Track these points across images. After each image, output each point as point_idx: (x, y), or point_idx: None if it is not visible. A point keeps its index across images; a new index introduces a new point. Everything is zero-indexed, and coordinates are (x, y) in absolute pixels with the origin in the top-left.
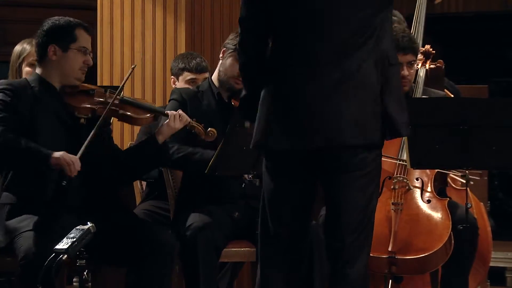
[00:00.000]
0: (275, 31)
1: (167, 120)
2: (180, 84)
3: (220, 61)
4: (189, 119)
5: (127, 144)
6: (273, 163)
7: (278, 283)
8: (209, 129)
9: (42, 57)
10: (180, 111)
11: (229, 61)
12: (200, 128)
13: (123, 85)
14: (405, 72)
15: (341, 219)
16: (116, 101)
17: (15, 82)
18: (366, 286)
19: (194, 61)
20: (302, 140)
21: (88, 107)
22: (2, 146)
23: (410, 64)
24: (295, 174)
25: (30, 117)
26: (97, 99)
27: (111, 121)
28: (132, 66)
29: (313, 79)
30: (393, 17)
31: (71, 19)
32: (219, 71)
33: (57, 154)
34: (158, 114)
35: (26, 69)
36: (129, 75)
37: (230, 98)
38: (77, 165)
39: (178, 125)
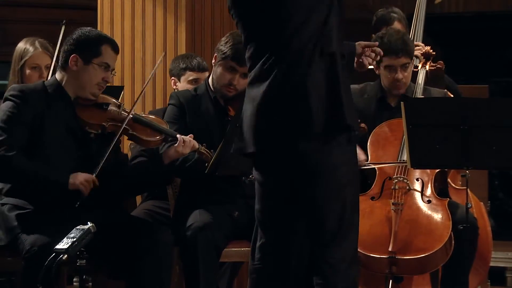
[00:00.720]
0: None
1: (176, 144)
2: (182, 84)
3: (213, 66)
4: (197, 146)
5: (127, 144)
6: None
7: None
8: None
9: (63, 64)
10: (190, 138)
11: (219, 70)
12: (208, 155)
13: (133, 107)
14: (399, 75)
15: (316, 223)
16: (129, 119)
17: (29, 88)
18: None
19: (195, 60)
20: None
21: (99, 124)
22: (17, 174)
23: (404, 67)
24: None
25: (39, 124)
26: (110, 115)
27: None
28: (144, 86)
29: None
30: (394, 15)
31: (102, 33)
32: (212, 78)
33: (75, 180)
34: (168, 136)
35: (28, 72)
36: (141, 94)
37: (226, 103)
38: (94, 185)
39: (186, 150)
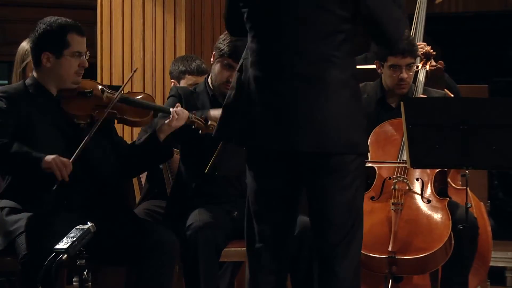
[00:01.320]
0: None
1: (168, 119)
2: None
3: (212, 64)
4: (188, 113)
5: (127, 138)
6: (255, 160)
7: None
8: (210, 122)
9: (37, 63)
10: (179, 108)
11: (217, 67)
12: (200, 123)
13: (121, 90)
14: (404, 75)
15: (325, 220)
16: (116, 104)
17: (11, 88)
18: (357, 285)
19: (194, 63)
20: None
21: (87, 114)
22: None
23: (409, 67)
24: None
25: (26, 124)
26: (95, 102)
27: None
28: (133, 70)
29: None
30: None
31: (63, 21)
32: (211, 76)
33: (49, 157)
34: (158, 111)
35: (30, 75)
36: (130, 79)
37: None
38: (68, 169)
39: (180, 122)
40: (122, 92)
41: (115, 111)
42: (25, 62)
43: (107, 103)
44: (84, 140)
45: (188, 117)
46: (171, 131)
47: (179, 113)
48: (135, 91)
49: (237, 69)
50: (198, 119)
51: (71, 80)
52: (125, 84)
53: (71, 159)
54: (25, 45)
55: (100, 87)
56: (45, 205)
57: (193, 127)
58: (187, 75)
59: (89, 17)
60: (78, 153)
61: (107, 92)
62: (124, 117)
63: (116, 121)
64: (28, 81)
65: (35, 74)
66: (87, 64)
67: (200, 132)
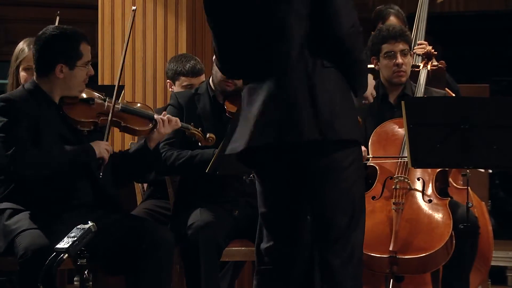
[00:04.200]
0: None
1: (157, 127)
2: (177, 89)
3: (214, 63)
4: (179, 123)
5: (128, 142)
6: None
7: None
8: (208, 135)
9: (45, 72)
10: (167, 115)
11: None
12: (199, 135)
13: (116, 94)
14: (399, 60)
15: (323, 219)
16: (117, 110)
17: (13, 96)
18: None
19: (188, 64)
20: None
21: (90, 121)
22: (40, 165)
23: (404, 53)
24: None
25: (34, 130)
26: (98, 109)
27: None
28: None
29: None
30: (390, 10)
31: (74, 32)
32: (213, 74)
33: (95, 147)
34: (153, 121)
35: (22, 73)
36: (118, 81)
37: (224, 100)
38: (111, 150)
39: (168, 129)
40: (125, 102)
41: (119, 120)
42: (18, 60)
43: (109, 110)
44: (107, 132)
45: (179, 126)
46: (160, 139)
47: (163, 120)
48: (136, 90)
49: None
50: (197, 131)
51: (79, 88)
52: (117, 88)
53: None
54: (19, 46)
55: (97, 95)
56: (50, 206)
57: (193, 139)
58: (181, 77)
59: (90, 17)
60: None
61: (109, 99)
62: (127, 125)
63: (119, 130)
64: (28, 86)
65: (37, 80)
66: (93, 72)
67: (199, 144)
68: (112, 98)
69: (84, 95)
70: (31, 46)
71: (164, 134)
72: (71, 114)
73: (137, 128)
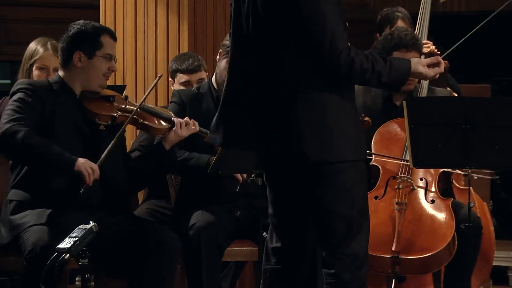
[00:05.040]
0: None
1: (174, 128)
2: (176, 86)
3: (218, 62)
4: (197, 128)
5: (129, 141)
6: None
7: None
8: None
9: (66, 62)
10: (186, 119)
11: (223, 63)
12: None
13: (146, 96)
14: None
15: (324, 226)
16: (137, 111)
17: (36, 83)
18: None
19: (186, 62)
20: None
21: (109, 114)
22: (28, 147)
23: None
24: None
25: (48, 121)
26: (118, 106)
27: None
28: (159, 75)
29: None
30: (398, 14)
31: (97, 24)
32: (216, 73)
33: (80, 161)
34: (172, 123)
35: (35, 72)
36: (154, 85)
37: None
38: (96, 174)
39: (185, 132)
40: (144, 103)
41: (137, 117)
42: (32, 59)
43: (129, 109)
44: (110, 145)
45: (196, 131)
46: (176, 141)
47: (183, 124)
48: (137, 90)
49: None
50: (206, 133)
51: (98, 82)
52: (149, 92)
53: (98, 163)
54: (34, 45)
55: (121, 95)
56: (57, 201)
57: (202, 142)
58: (178, 74)
59: (91, 17)
60: (104, 157)
61: (129, 100)
62: (145, 122)
63: (136, 127)
64: (53, 78)
65: (61, 73)
66: (116, 69)
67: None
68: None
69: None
70: (46, 45)
71: (181, 136)
72: (90, 106)
73: (155, 127)
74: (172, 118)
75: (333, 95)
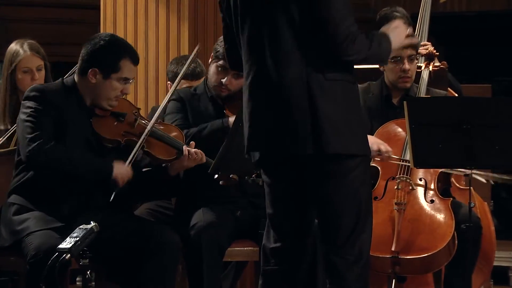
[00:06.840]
0: None
1: (181, 157)
2: None
3: (210, 66)
4: (204, 160)
5: None
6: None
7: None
8: (231, 175)
9: (83, 72)
10: (194, 149)
11: (212, 69)
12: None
13: (152, 125)
14: (406, 66)
15: (328, 223)
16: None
17: (48, 88)
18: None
19: (190, 67)
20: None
21: (114, 139)
22: (58, 164)
23: (411, 59)
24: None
25: (60, 129)
26: (125, 128)
27: None
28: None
29: None
30: (396, 13)
31: (122, 45)
32: (208, 77)
33: (115, 166)
34: (179, 152)
35: (19, 76)
36: (157, 118)
37: (223, 103)
38: (128, 177)
39: (191, 163)
40: (159, 122)
41: (143, 143)
42: (14, 64)
43: (137, 131)
44: (137, 145)
45: (203, 162)
46: (181, 170)
47: (191, 153)
48: (138, 90)
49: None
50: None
51: (108, 102)
52: (156, 120)
53: (127, 164)
54: (11, 48)
55: (134, 111)
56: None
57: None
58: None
59: (92, 17)
60: (132, 158)
61: (140, 120)
62: (149, 151)
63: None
64: (67, 81)
65: (76, 78)
66: (129, 92)
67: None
68: (143, 117)
69: (120, 110)
70: (24, 47)
71: (186, 167)
72: (96, 127)
73: (159, 157)
74: (183, 147)
75: (347, 90)
